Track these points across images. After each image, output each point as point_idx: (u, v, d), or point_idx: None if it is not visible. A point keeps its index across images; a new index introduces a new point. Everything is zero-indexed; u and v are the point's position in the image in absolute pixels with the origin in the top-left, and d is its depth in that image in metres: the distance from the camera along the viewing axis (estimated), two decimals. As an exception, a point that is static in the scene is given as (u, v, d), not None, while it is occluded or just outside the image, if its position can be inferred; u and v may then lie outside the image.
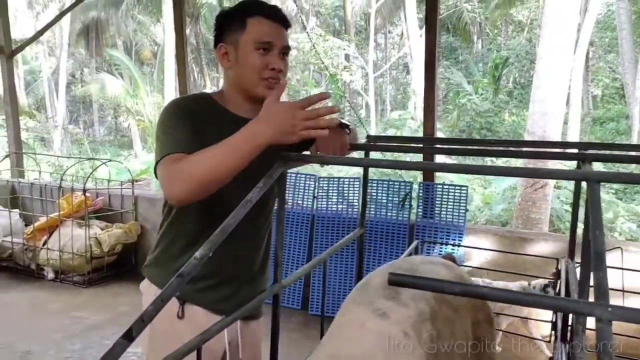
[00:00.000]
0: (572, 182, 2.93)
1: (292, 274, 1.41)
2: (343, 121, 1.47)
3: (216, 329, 1.09)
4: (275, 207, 1.41)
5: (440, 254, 3.47)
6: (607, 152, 1.48)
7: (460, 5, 18.02)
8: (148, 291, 1.45)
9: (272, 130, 1.11)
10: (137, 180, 5.16)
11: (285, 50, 1.40)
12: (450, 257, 1.84)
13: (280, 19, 1.39)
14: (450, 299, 1.30)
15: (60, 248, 4.41)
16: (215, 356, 1.45)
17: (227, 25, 1.39)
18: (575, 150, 1.43)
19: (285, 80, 1.41)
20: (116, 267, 4.61)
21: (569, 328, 1.52)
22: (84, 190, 4.51)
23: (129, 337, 0.84)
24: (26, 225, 4.92)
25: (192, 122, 1.32)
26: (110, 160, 5.71)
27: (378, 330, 1.13)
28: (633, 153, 1.47)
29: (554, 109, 5.61)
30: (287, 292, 3.89)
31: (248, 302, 1.25)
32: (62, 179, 4.81)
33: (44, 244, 4.54)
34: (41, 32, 6.22)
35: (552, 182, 5.82)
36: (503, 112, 16.42)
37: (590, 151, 1.35)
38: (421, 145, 2.20)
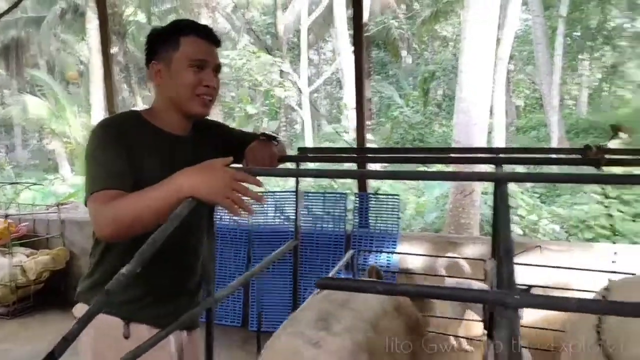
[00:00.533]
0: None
1: (223, 290, 1.41)
2: (270, 133, 1.50)
3: (152, 342, 1.08)
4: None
5: (375, 263, 3.55)
6: (519, 155, 1.59)
7: (388, 22, 18.63)
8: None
9: (202, 187, 1.11)
10: (63, 204, 4.94)
11: (218, 68, 1.44)
12: (375, 270, 1.89)
13: (213, 38, 1.43)
14: (387, 327, 1.32)
15: (-19, 279, 4.13)
16: None
17: (159, 43, 1.41)
18: (491, 155, 1.53)
19: (215, 98, 1.44)
20: (43, 296, 4.37)
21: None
22: (6, 216, 4.27)
23: (51, 358, 0.82)
24: (-59, 256, 4.58)
25: (122, 145, 1.30)
26: (34, 184, 5.44)
27: (311, 358, 1.15)
28: (542, 155, 1.59)
29: (478, 119, 5.90)
30: (227, 311, 3.84)
31: (193, 318, 1.25)
32: (-19, 206, 4.53)
33: (-38, 276, 4.25)
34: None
35: (479, 189, 6.10)
36: (433, 124, 17.09)
37: (502, 155, 1.44)
38: (353, 155, 2.27)
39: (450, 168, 6.33)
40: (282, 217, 3.95)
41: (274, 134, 1.54)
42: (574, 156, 1.29)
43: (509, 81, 19.73)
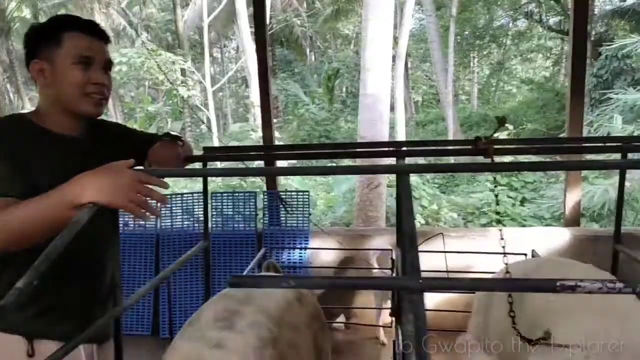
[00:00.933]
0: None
1: (131, 297, 1.36)
2: (174, 133, 1.47)
3: (58, 356, 1.02)
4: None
5: (289, 260, 3.58)
6: (418, 148, 1.68)
7: (291, 19, 18.75)
8: None
9: (103, 192, 1.06)
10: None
11: (108, 64, 1.37)
12: (272, 265, 1.92)
13: (98, 33, 1.36)
14: (291, 320, 1.31)
15: None
16: None
17: (40, 40, 1.32)
18: (392, 149, 1.61)
19: (108, 97, 1.39)
20: None
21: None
22: None
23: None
24: None
25: (10, 151, 1.22)
26: None
27: (218, 358, 1.11)
28: (439, 148, 1.70)
29: (380, 114, 6.13)
30: (136, 319, 3.69)
31: (101, 329, 1.19)
32: None
33: None
34: None
35: (385, 182, 6.34)
36: (339, 120, 17.48)
37: (404, 148, 1.53)
38: (260, 153, 2.27)
39: (357, 162, 6.53)
40: (191, 219, 3.86)
41: (178, 135, 1.51)
42: (466, 147, 1.39)
43: (408, 78, 20.65)
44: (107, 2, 18.02)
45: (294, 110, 17.08)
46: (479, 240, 3.28)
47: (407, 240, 0.94)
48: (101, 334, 1.41)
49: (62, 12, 17.41)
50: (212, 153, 1.73)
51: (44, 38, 1.32)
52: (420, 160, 6.39)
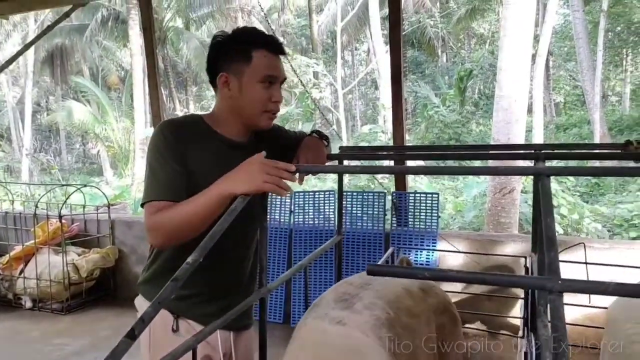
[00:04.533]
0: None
1: (275, 281, 1.48)
2: (322, 132, 1.56)
3: (208, 330, 1.16)
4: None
5: (415, 261, 3.58)
6: (560, 151, 1.61)
7: (424, 21, 18.52)
8: (143, 307, 1.49)
9: (238, 183, 1.20)
10: (113, 204, 5.15)
11: (284, 81, 1.46)
12: (406, 260, 1.94)
13: (281, 51, 1.44)
14: (410, 307, 1.37)
15: (37, 276, 4.37)
16: None
17: (229, 54, 1.40)
18: (531, 151, 1.57)
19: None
20: (95, 293, 4.57)
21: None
22: (60, 217, 4.49)
23: (131, 336, 0.91)
24: (1, 255, 4.85)
25: (179, 151, 1.36)
26: (85, 186, 5.68)
27: (338, 334, 1.23)
28: (583, 151, 1.61)
29: (517, 117, 5.85)
30: (269, 307, 3.93)
31: (240, 314, 1.32)
32: (36, 207, 4.78)
33: (20, 273, 4.49)
34: (9, 62, 6.18)
35: (519, 187, 6.04)
36: (470, 123, 16.88)
37: (544, 151, 1.48)
38: (393, 153, 2.32)
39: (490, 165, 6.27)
40: (321, 216, 4.02)
41: (325, 134, 1.60)
42: (614, 151, 1.31)
43: (549, 78, 19.31)
44: (249, 10, 19.26)
45: (423, 113, 16.83)
46: (627, 254, 3.01)
47: (547, 241, 0.93)
48: (239, 321, 1.52)
49: (210, 22, 18.94)
50: (348, 152, 1.81)
51: (233, 52, 1.38)
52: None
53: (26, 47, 6.14)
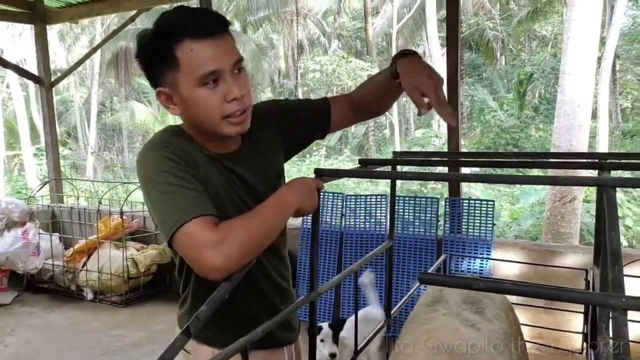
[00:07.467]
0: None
1: (325, 284, 1.48)
2: (407, 49, 1.27)
3: (261, 330, 1.15)
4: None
5: (468, 269, 3.50)
6: (627, 161, 1.53)
7: (482, 23, 18.11)
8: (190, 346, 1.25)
9: (300, 199, 1.12)
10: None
11: (238, 64, 1.12)
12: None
13: (214, 30, 1.09)
14: (514, 323, 1.38)
15: (99, 269, 4.57)
16: None
17: (153, 61, 1.12)
18: (595, 160, 1.50)
19: (251, 102, 1.18)
20: (152, 287, 4.75)
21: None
22: (121, 213, 4.69)
23: (187, 333, 0.94)
24: (66, 248, 5.12)
25: (187, 165, 1.12)
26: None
27: (474, 338, 1.20)
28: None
29: (580, 122, 5.62)
30: (318, 311, 3.95)
31: (285, 326, 1.30)
32: (100, 203, 5.01)
33: (83, 266, 4.72)
34: (78, 64, 6.53)
35: (580, 196, 5.79)
36: (529, 128, 16.31)
37: (609, 160, 1.41)
38: (447, 159, 2.29)
39: (550, 174, 6.09)
40: (373, 221, 4.00)
41: (413, 50, 1.25)
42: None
43: (615, 82, 18.42)
44: (305, 14, 19.45)
45: (480, 117, 16.42)
46: (699, 271, 2.82)
47: (611, 255, 0.89)
48: (285, 331, 1.37)
49: (267, 24, 19.18)
50: (401, 157, 1.79)
51: (157, 59, 1.11)
52: (627, 175, 5.69)
53: (93, 50, 6.46)
